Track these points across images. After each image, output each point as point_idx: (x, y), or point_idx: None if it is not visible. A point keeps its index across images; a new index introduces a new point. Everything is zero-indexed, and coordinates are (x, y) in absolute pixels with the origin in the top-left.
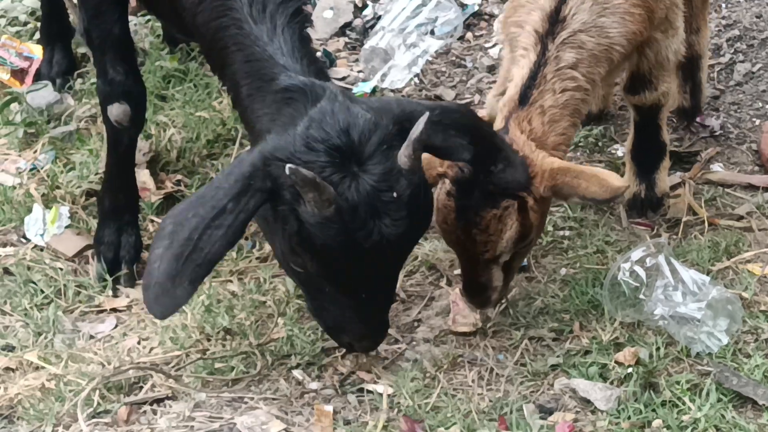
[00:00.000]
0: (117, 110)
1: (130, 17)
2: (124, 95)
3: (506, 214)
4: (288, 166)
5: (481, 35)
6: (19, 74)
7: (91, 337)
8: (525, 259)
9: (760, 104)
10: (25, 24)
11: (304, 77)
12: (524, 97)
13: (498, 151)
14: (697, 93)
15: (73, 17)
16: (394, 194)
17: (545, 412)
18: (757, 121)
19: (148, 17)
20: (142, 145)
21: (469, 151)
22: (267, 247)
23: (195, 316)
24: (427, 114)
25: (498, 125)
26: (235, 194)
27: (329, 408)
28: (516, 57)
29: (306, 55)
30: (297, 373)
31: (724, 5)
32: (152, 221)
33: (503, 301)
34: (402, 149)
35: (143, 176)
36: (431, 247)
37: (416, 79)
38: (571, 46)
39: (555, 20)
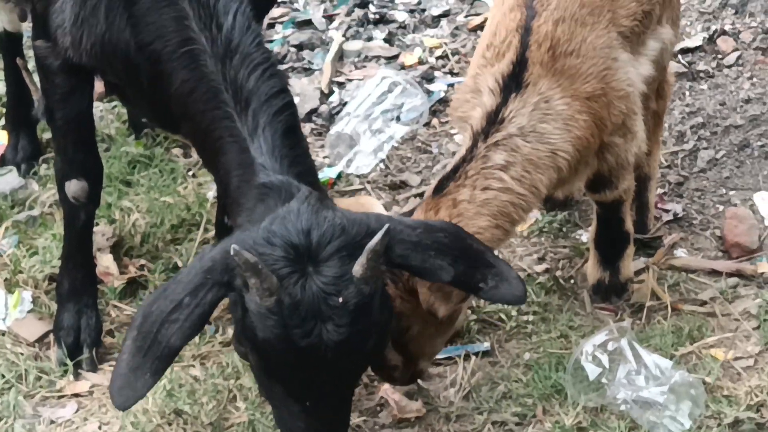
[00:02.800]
0: (75, 186)
1: (97, 103)
2: (83, 172)
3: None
4: (233, 246)
5: (447, 121)
6: None
7: (52, 422)
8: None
9: (724, 191)
10: None
11: (282, 176)
12: (440, 188)
13: (489, 267)
14: (644, 211)
15: (36, 97)
16: (340, 300)
17: None
18: (721, 208)
19: (114, 103)
20: (106, 229)
21: (449, 272)
22: (229, 332)
23: (156, 400)
24: (387, 226)
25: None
26: (192, 288)
27: None
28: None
29: (288, 155)
30: None
31: (688, 93)
32: (115, 306)
33: (466, 385)
34: (359, 258)
35: (106, 261)
36: None
37: (382, 165)
38: (504, 148)
39: (493, 120)
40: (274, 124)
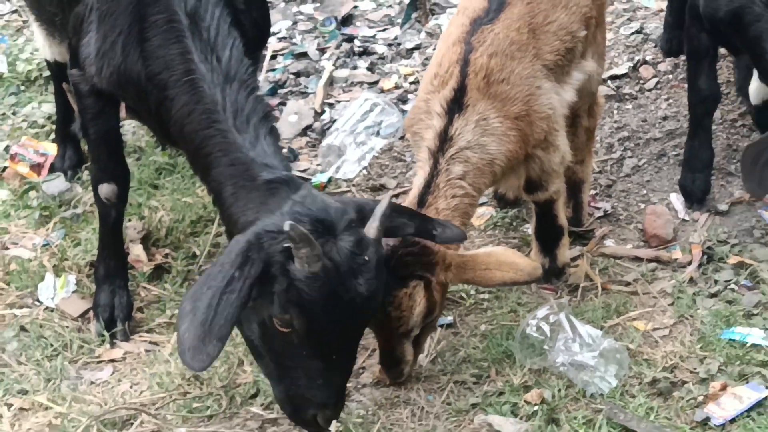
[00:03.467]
0: (106, 189)
1: (130, 120)
2: (113, 177)
3: (415, 292)
4: (288, 222)
5: None
6: (36, 168)
7: (92, 383)
8: (452, 318)
9: (645, 192)
10: (43, 126)
11: (287, 172)
12: (422, 201)
13: (431, 221)
14: (579, 208)
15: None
16: (366, 258)
17: None
18: (642, 205)
19: None
20: (137, 224)
21: (411, 226)
22: None
23: (178, 365)
24: (389, 194)
25: None
26: (239, 264)
27: None
28: (416, 167)
29: (283, 159)
30: (259, 410)
31: (616, 112)
32: (144, 287)
33: (433, 352)
34: (370, 222)
35: (137, 250)
36: None
37: (365, 171)
38: (459, 160)
39: (444, 139)
40: (273, 134)
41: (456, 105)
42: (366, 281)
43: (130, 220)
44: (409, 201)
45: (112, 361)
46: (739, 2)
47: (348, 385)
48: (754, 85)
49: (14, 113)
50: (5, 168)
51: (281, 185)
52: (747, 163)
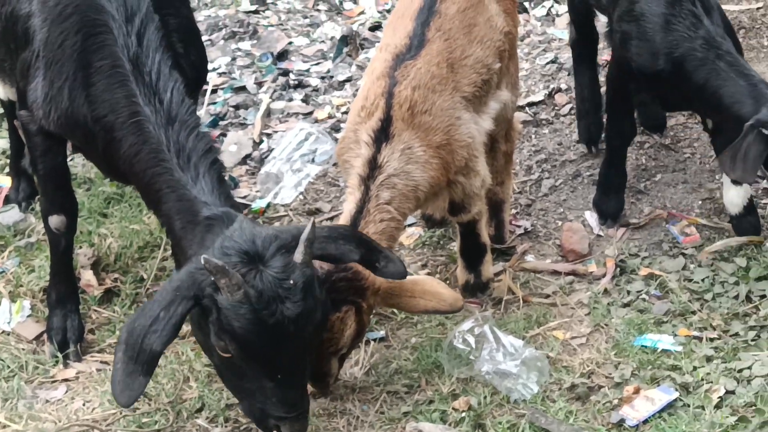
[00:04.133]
0: (56, 220)
1: (80, 154)
2: (62, 209)
3: (347, 317)
4: (202, 256)
5: None
6: None
7: (47, 401)
8: (384, 332)
9: (562, 210)
10: None
11: (223, 208)
12: (354, 225)
13: (380, 252)
14: (501, 227)
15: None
16: (291, 281)
17: None
18: (559, 223)
19: None
20: (87, 251)
21: (356, 254)
22: (185, 328)
23: None
24: (312, 219)
25: None
26: (166, 304)
27: None
28: (347, 192)
29: (222, 193)
30: (204, 423)
31: (533, 136)
32: (95, 310)
33: (367, 364)
34: (298, 247)
35: (88, 275)
36: None
37: (301, 196)
38: (387, 186)
39: (374, 166)
40: (211, 171)
41: (383, 134)
42: (293, 304)
43: (80, 247)
44: (342, 220)
45: (66, 380)
46: (680, 50)
47: None
48: (732, 193)
49: None
50: None
51: (216, 221)
52: (727, 165)
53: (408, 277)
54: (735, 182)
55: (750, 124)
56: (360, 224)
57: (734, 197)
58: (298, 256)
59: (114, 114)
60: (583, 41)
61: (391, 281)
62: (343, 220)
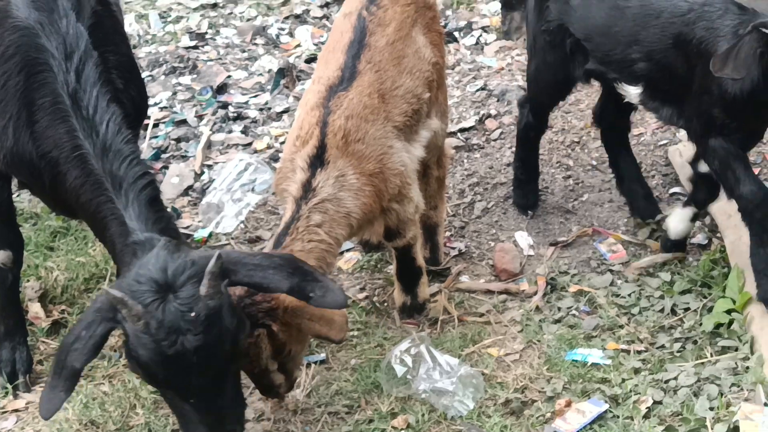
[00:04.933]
0: (2, 256)
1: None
2: (7, 244)
3: (259, 340)
4: (104, 288)
5: None
6: None
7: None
8: (324, 354)
9: (494, 231)
10: None
11: (148, 234)
12: (277, 243)
13: (317, 282)
14: (435, 249)
15: None
16: (193, 314)
17: None
18: (492, 243)
19: None
20: (35, 284)
21: (285, 284)
22: None
23: (75, 411)
24: (217, 253)
25: None
26: (87, 324)
27: None
28: (283, 215)
29: (151, 218)
30: None
31: (466, 160)
32: (43, 342)
33: (308, 386)
34: (203, 280)
35: (35, 308)
36: None
37: (242, 225)
38: (319, 210)
39: (308, 189)
40: (140, 197)
41: (318, 161)
42: (193, 337)
43: (28, 281)
44: (268, 245)
45: (16, 410)
46: None
47: None
48: (677, 218)
49: None
50: None
51: (140, 247)
52: (718, 63)
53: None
54: (689, 204)
55: (752, 24)
56: (285, 241)
57: (678, 223)
58: (203, 288)
59: (58, 149)
60: (538, 128)
61: (297, 301)
62: (272, 239)
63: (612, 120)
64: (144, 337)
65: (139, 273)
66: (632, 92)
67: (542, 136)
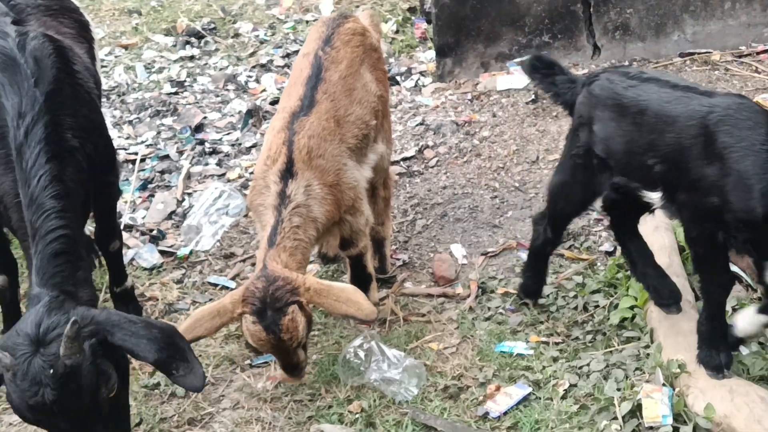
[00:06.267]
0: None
1: None
2: (2, 269)
3: (295, 315)
4: None
5: None
6: None
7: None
8: None
9: (433, 244)
10: None
11: (39, 288)
12: (271, 242)
13: (186, 362)
14: (383, 260)
15: None
16: (51, 371)
17: None
18: (432, 255)
19: None
20: None
21: (153, 356)
22: None
23: None
24: (72, 319)
25: (257, 269)
26: None
27: None
28: (263, 228)
29: (48, 272)
30: None
31: (408, 185)
32: None
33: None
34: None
35: None
36: (229, 348)
37: (218, 243)
38: (297, 213)
39: (284, 197)
40: (45, 251)
41: (288, 173)
42: (51, 391)
43: None
44: (261, 245)
45: None
46: None
47: (211, 410)
48: (747, 320)
49: None
50: None
51: (32, 301)
52: None
53: (337, 284)
54: (763, 312)
55: None
56: (276, 240)
57: (747, 325)
58: (61, 350)
59: (7, 195)
60: (555, 243)
61: (321, 283)
62: (262, 242)
63: (624, 211)
64: (12, 386)
65: (20, 326)
66: (654, 197)
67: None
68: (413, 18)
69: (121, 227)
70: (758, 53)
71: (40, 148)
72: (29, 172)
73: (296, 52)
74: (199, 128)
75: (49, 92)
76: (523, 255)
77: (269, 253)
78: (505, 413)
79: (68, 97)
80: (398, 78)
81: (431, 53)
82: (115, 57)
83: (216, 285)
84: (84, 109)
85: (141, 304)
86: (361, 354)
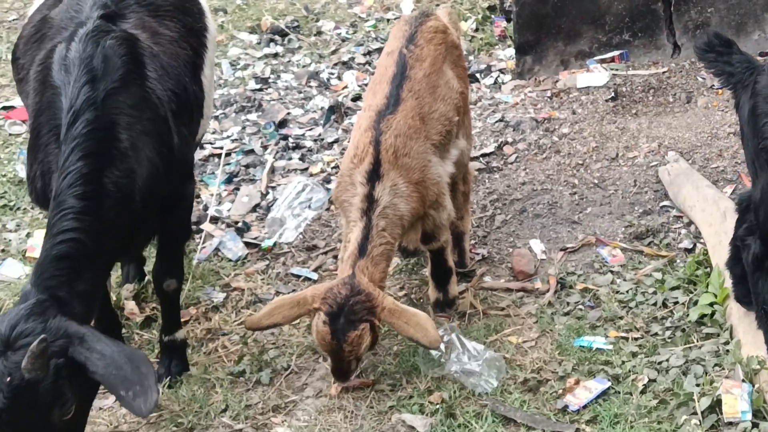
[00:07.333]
0: None
1: None
2: None
3: (363, 333)
4: None
5: None
6: None
7: (100, 408)
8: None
9: (512, 239)
10: None
11: (30, 287)
12: (362, 249)
13: (137, 384)
14: (462, 255)
15: None
16: (8, 379)
17: None
18: (510, 250)
19: None
20: (129, 286)
21: (99, 371)
22: None
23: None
24: (42, 336)
25: (345, 272)
26: None
27: None
28: (349, 225)
29: (46, 273)
30: (228, 421)
31: (487, 180)
32: (137, 334)
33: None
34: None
35: (131, 305)
36: (312, 338)
37: (300, 236)
38: (383, 216)
39: (371, 200)
40: (49, 251)
41: (375, 175)
42: (4, 397)
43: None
44: (349, 252)
45: None
46: None
47: (295, 397)
48: None
49: None
50: None
51: (21, 297)
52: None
53: (411, 309)
54: None
55: None
56: (368, 248)
57: None
58: (23, 361)
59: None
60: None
61: (397, 304)
62: (352, 247)
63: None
64: None
65: None
66: None
67: None
68: (493, 16)
69: (207, 220)
70: None
71: (75, 144)
72: (61, 168)
73: (377, 50)
74: (282, 124)
75: (111, 91)
76: (603, 251)
77: (359, 263)
78: (585, 407)
79: (132, 99)
80: (478, 75)
81: (510, 51)
82: None
83: (299, 276)
84: (148, 113)
85: (226, 294)
86: (442, 346)
